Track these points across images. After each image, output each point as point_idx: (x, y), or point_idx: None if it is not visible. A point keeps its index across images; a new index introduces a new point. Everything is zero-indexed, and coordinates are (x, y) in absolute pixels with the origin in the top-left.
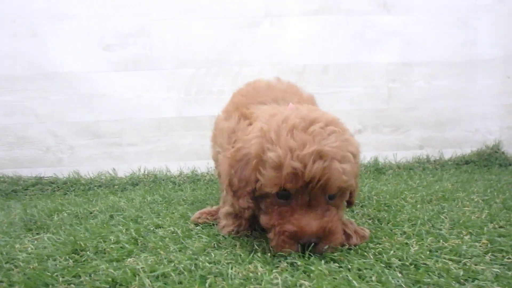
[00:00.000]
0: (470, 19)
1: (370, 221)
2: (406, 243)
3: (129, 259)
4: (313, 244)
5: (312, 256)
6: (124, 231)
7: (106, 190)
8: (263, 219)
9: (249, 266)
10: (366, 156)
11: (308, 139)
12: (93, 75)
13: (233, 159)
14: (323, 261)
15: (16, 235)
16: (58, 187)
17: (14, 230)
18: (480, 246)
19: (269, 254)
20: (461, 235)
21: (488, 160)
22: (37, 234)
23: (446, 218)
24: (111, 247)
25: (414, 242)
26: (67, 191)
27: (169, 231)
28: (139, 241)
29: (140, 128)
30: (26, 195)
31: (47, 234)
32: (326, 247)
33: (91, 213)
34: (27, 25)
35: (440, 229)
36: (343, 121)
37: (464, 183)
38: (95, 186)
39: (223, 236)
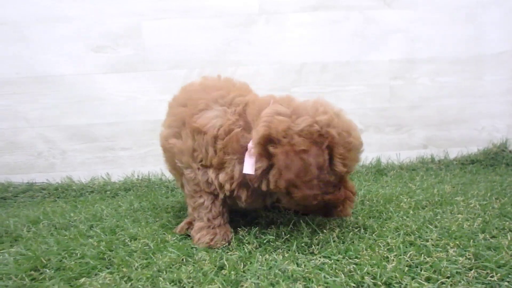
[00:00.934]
0: (476, 14)
1: (356, 230)
2: (386, 257)
3: (84, 279)
4: None
5: (276, 277)
6: (95, 244)
7: (97, 196)
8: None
9: (209, 287)
10: (368, 156)
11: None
12: (84, 78)
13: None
14: (287, 281)
15: None
16: (49, 194)
17: None
18: (463, 261)
19: (233, 273)
20: (447, 247)
21: (494, 159)
22: (10, 246)
23: (436, 227)
24: (74, 263)
25: (394, 256)
26: (58, 197)
27: (143, 244)
28: (106, 256)
29: (134, 131)
30: (15, 202)
31: (14, 248)
32: None
33: (71, 222)
34: (16, 28)
35: (427, 240)
36: None
37: (465, 185)
38: (87, 192)
39: (196, 248)
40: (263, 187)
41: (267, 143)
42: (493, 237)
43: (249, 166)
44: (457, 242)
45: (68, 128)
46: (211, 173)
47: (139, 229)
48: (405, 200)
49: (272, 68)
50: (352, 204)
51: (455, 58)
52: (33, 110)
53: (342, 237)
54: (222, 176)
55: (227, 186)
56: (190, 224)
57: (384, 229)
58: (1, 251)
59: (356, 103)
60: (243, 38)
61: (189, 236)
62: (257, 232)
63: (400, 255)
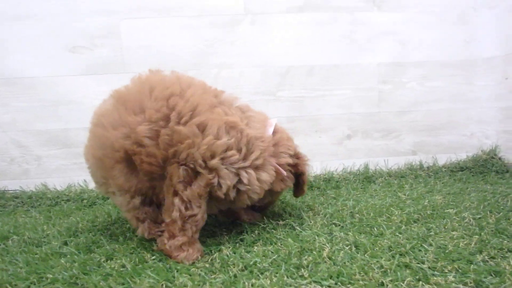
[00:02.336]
0: (467, 16)
1: (347, 248)
2: (382, 283)
3: None
4: None
5: None
6: (67, 265)
7: (73, 205)
8: None
9: None
10: (356, 163)
11: None
12: (59, 80)
13: None
14: None
15: None
16: (22, 202)
17: None
18: None
19: None
20: (446, 271)
21: (484, 166)
22: None
23: (431, 245)
24: None
25: (390, 282)
26: (31, 206)
27: (119, 265)
28: (79, 280)
29: None
30: None
31: None
32: None
33: (43, 238)
34: None
35: (423, 262)
36: (331, 126)
37: (456, 195)
38: (63, 200)
39: (176, 270)
40: None
41: None
42: (491, 258)
43: None
44: (456, 266)
45: (43, 132)
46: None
47: (117, 245)
48: (396, 212)
49: (257, 71)
50: None
51: (445, 62)
52: (5, 114)
53: (333, 257)
54: None
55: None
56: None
57: (377, 248)
58: None
59: (344, 108)
60: (227, 39)
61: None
62: (242, 251)
63: (397, 281)
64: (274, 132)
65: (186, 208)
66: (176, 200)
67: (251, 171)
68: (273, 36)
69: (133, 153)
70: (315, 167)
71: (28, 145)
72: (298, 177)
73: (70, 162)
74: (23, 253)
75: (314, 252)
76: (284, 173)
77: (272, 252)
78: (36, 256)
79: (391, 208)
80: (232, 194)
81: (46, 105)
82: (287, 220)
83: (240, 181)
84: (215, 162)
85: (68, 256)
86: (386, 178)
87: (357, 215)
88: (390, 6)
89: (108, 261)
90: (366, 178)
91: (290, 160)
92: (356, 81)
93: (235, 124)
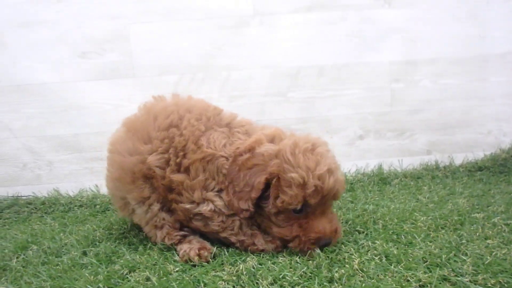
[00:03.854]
0: (479, 11)
1: (377, 258)
2: None
3: None
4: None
5: None
6: (92, 278)
7: (87, 211)
8: (281, 231)
9: None
10: (369, 164)
11: (320, 160)
12: (69, 85)
13: (244, 165)
14: None
15: None
16: (36, 208)
17: None
18: None
19: None
20: (489, 285)
21: (504, 165)
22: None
23: (466, 255)
24: None
25: None
26: (45, 213)
27: (143, 278)
28: None
29: None
30: (1, 218)
31: (3, 283)
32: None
33: (62, 247)
34: None
35: (462, 274)
36: (343, 126)
37: (480, 198)
38: (75, 206)
39: (204, 284)
40: None
41: None
42: None
43: None
44: (500, 279)
45: (54, 138)
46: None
47: (137, 256)
48: (421, 218)
49: (266, 73)
50: (309, 246)
51: (458, 58)
52: (16, 120)
53: (365, 270)
54: None
55: None
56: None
57: (410, 258)
58: None
59: (355, 108)
60: (235, 41)
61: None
62: (268, 262)
63: None
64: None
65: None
66: None
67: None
68: (282, 37)
69: (150, 176)
70: None
71: (39, 150)
72: None
73: (81, 167)
74: (44, 264)
75: (344, 264)
76: None
77: (299, 264)
78: (58, 267)
79: (415, 213)
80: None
81: (56, 110)
82: None
83: None
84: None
85: (90, 267)
86: (402, 179)
87: (380, 221)
88: (400, 2)
89: (132, 273)
90: (381, 179)
91: None
92: (367, 80)
93: (211, 157)
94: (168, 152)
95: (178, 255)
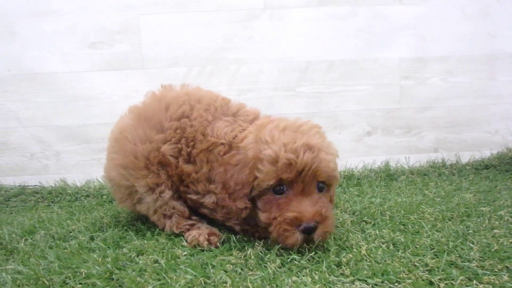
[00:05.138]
0: (490, 9)
1: (384, 246)
2: (431, 283)
3: None
4: (312, 230)
5: None
6: (100, 260)
7: (94, 201)
8: (263, 216)
9: None
10: (377, 160)
11: (298, 136)
12: (78, 76)
13: (229, 164)
14: None
15: None
16: (43, 198)
17: None
18: None
19: None
20: (496, 270)
21: (510, 164)
22: (6, 261)
23: (474, 244)
24: (80, 285)
25: (440, 281)
26: (52, 202)
27: (152, 260)
28: (114, 275)
29: None
30: (7, 206)
31: (11, 264)
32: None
33: (70, 232)
34: (4, 24)
35: (469, 260)
36: (351, 122)
37: (486, 194)
38: (82, 196)
39: (212, 266)
40: None
41: None
42: None
43: None
44: (507, 264)
45: (62, 128)
46: None
47: (145, 241)
48: (428, 210)
49: (275, 67)
50: (285, 227)
51: (468, 56)
52: (25, 110)
53: (372, 255)
54: None
55: None
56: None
57: (418, 245)
58: None
59: (364, 104)
60: (245, 34)
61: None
62: (277, 247)
63: (447, 280)
64: None
65: None
66: None
67: None
68: (292, 31)
69: (166, 164)
70: None
71: (47, 140)
72: None
73: (89, 158)
74: (52, 248)
75: (351, 250)
76: None
77: (308, 250)
78: (66, 250)
79: (422, 206)
80: None
81: (65, 100)
82: None
83: None
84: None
85: (98, 251)
86: (409, 176)
87: (387, 212)
88: None
89: (140, 256)
90: (388, 175)
91: None
92: (376, 76)
93: (213, 146)
94: (180, 142)
95: (186, 241)
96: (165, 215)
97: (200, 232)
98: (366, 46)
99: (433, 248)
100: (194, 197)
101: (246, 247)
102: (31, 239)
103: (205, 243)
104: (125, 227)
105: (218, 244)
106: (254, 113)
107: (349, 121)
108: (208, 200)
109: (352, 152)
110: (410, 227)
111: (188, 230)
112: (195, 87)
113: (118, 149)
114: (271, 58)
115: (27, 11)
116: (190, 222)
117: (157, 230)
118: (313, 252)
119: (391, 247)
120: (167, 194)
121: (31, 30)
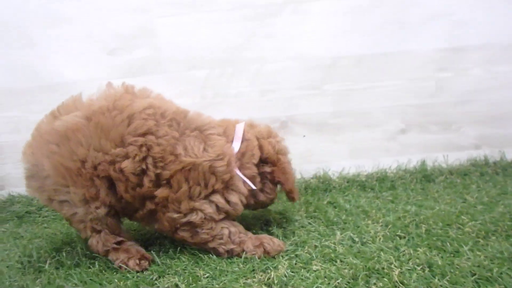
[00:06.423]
0: None
1: (419, 269)
2: None
3: None
4: None
5: None
6: (121, 284)
7: None
8: None
9: None
10: (412, 159)
11: None
12: (98, 84)
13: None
14: None
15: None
16: None
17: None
18: None
19: None
20: None
21: None
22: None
23: None
24: None
25: None
26: None
27: (172, 284)
28: None
29: None
30: (39, 216)
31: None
32: None
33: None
34: (24, 34)
35: None
36: (383, 120)
37: None
38: None
39: None
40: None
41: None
42: None
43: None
44: None
45: None
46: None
47: (167, 260)
48: (468, 222)
49: (300, 64)
50: None
51: (510, 43)
52: None
53: (406, 282)
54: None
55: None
56: None
57: (456, 272)
58: None
59: (396, 100)
60: (266, 31)
61: (223, 271)
62: (302, 270)
63: None
64: (244, 139)
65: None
66: None
67: (217, 196)
68: (315, 26)
69: (117, 179)
70: (366, 165)
71: None
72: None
73: None
74: (77, 266)
75: (383, 275)
76: (253, 187)
77: (334, 274)
78: (89, 270)
79: (462, 216)
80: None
81: None
82: (343, 230)
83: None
84: (185, 205)
85: (120, 272)
86: (448, 176)
87: (423, 225)
88: None
89: (161, 279)
90: (424, 176)
91: (255, 170)
92: (409, 69)
93: (194, 166)
94: (146, 162)
95: (112, 263)
96: (94, 228)
97: (129, 256)
98: (396, 38)
99: (474, 274)
100: (175, 215)
101: (269, 269)
102: (58, 255)
103: (136, 267)
104: (146, 240)
105: (148, 266)
106: (215, 122)
107: (380, 118)
108: (195, 217)
109: (385, 151)
110: (448, 244)
111: (115, 250)
112: (157, 95)
113: (65, 147)
114: (293, 55)
115: (44, 20)
116: (119, 239)
117: (169, 243)
118: (341, 278)
119: (427, 271)
120: (102, 211)
121: (50, 40)
